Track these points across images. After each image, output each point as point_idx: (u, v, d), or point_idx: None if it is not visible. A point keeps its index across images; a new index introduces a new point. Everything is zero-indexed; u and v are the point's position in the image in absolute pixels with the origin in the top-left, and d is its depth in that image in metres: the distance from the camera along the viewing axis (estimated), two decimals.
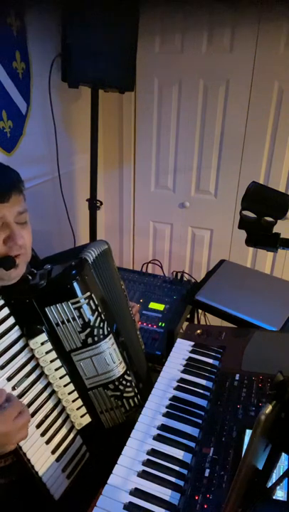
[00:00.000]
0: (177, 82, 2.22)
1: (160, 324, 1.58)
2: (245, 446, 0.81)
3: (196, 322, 1.91)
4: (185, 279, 1.88)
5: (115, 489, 0.75)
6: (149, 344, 1.48)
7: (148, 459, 0.81)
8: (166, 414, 0.92)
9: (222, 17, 2.01)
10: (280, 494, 0.71)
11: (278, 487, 0.71)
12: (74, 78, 1.75)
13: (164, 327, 1.57)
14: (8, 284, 0.85)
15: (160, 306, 1.67)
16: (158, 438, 0.86)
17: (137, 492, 0.75)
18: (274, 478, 0.71)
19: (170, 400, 0.96)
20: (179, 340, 1.19)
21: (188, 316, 1.84)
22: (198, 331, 1.23)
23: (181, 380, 1.02)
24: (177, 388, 1.00)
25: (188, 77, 2.18)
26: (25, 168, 1.81)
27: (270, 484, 0.69)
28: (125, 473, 0.78)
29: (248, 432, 0.85)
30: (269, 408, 0.63)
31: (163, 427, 0.88)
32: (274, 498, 0.70)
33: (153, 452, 0.83)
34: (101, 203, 2.05)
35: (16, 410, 0.77)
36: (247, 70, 2.07)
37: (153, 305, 1.67)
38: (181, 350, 1.14)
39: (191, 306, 1.74)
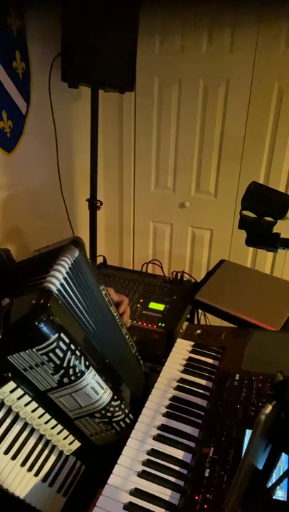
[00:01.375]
0: (177, 82, 2.22)
1: (160, 324, 1.58)
2: (245, 446, 0.81)
3: (196, 322, 1.91)
4: (185, 279, 1.88)
5: (115, 489, 0.75)
6: (149, 344, 1.48)
7: (148, 459, 0.81)
8: (166, 414, 0.91)
9: (222, 17, 2.01)
10: (280, 494, 0.71)
11: (278, 487, 0.71)
12: (74, 78, 1.75)
13: (164, 327, 1.57)
14: None
15: (160, 306, 1.67)
16: (158, 438, 0.85)
17: (137, 492, 0.75)
18: (274, 478, 0.71)
19: (170, 400, 0.96)
20: (179, 340, 1.19)
21: (188, 316, 1.84)
22: (198, 331, 1.23)
23: (181, 380, 1.02)
24: (177, 388, 0.99)
25: (188, 77, 2.18)
26: (25, 168, 1.81)
27: (270, 484, 0.69)
28: (125, 473, 0.78)
29: (248, 432, 0.85)
30: (269, 408, 0.62)
31: (163, 427, 0.88)
32: (274, 498, 0.70)
33: (153, 452, 0.82)
34: (101, 203, 2.05)
35: None
36: (247, 70, 2.07)
37: (153, 305, 1.67)
38: (181, 350, 1.14)
39: (191, 306, 1.74)
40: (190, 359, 1.10)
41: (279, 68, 2.02)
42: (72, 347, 0.78)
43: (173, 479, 0.78)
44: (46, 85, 1.79)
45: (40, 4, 1.69)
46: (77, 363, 0.78)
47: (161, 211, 2.55)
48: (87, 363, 0.81)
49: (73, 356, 0.78)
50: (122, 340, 1.08)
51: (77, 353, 0.79)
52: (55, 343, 0.74)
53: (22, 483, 0.81)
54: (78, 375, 0.79)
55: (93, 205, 2.03)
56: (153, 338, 1.52)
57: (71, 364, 0.78)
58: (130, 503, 0.73)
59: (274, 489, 0.70)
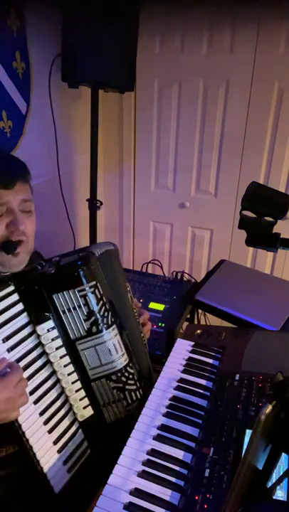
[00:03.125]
0: (177, 82, 2.22)
1: (160, 324, 1.58)
2: (245, 446, 0.81)
3: (196, 322, 1.91)
4: (185, 279, 1.88)
5: (115, 489, 0.75)
6: (149, 344, 1.48)
7: (148, 459, 0.81)
8: (166, 414, 0.91)
9: (222, 17, 2.01)
10: (280, 494, 0.71)
11: (278, 487, 0.71)
12: (74, 78, 1.75)
13: (164, 327, 1.57)
14: (8, 271, 0.90)
15: (160, 306, 1.67)
16: (158, 438, 0.86)
17: (137, 492, 0.75)
18: (274, 478, 0.71)
19: (170, 400, 0.96)
20: (179, 340, 1.19)
21: (188, 316, 1.84)
22: (198, 331, 1.23)
23: (181, 380, 1.02)
24: (177, 388, 0.99)
25: (188, 77, 2.18)
26: None
27: (270, 484, 0.69)
28: (125, 473, 0.78)
29: (248, 432, 0.85)
30: (269, 408, 0.63)
31: (163, 427, 0.88)
32: (274, 498, 0.70)
33: (153, 452, 0.82)
34: (101, 203, 2.05)
35: (17, 376, 0.80)
36: (247, 70, 2.07)
37: (153, 305, 1.68)
38: (181, 350, 1.14)
39: (191, 306, 1.74)
40: (190, 359, 1.10)
41: (279, 68, 2.02)
42: (104, 299, 0.91)
43: (173, 479, 0.78)
44: (46, 85, 1.79)
45: (40, 4, 1.69)
46: (105, 315, 0.91)
47: (161, 211, 2.55)
48: (112, 320, 0.93)
49: (103, 308, 0.91)
50: (137, 334, 1.12)
51: (107, 306, 0.92)
52: (92, 289, 0.89)
53: (37, 433, 0.85)
54: (105, 326, 0.91)
55: (93, 205, 2.03)
56: (153, 338, 1.52)
57: (101, 314, 0.90)
58: (130, 503, 0.73)
59: (274, 489, 0.70)
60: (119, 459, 0.81)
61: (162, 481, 0.77)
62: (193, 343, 1.16)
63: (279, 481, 0.70)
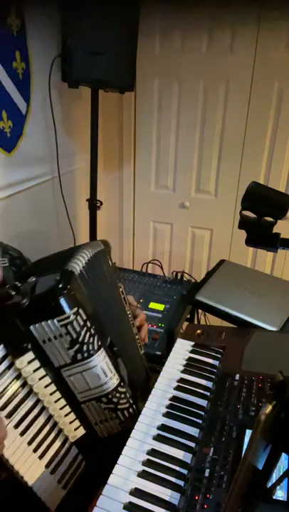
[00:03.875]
0: (177, 82, 2.22)
1: (160, 324, 1.58)
2: (245, 446, 0.81)
3: (196, 322, 1.91)
4: (185, 279, 1.88)
5: (115, 489, 0.75)
6: (149, 344, 1.48)
7: (148, 459, 0.81)
8: (166, 414, 0.91)
9: (222, 17, 2.01)
10: (280, 494, 0.71)
11: (278, 487, 0.71)
12: (74, 78, 1.75)
13: (164, 327, 1.57)
14: None
15: (160, 306, 1.67)
16: (158, 438, 0.86)
17: (137, 492, 0.75)
18: (274, 478, 0.71)
19: (170, 400, 0.96)
20: (179, 340, 1.19)
21: (188, 316, 1.84)
22: (198, 331, 1.23)
23: (181, 380, 1.02)
24: (177, 388, 0.99)
25: (188, 77, 2.18)
26: (25, 168, 1.81)
27: (270, 484, 0.69)
28: (125, 473, 0.78)
29: (248, 432, 0.85)
30: (269, 408, 0.63)
31: (163, 427, 0.88)
32: (274, 498, 0.70)
33: (153, 452, 0.82)
34: (101, 203, 2.05)
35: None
36: (247, 70, 2.07)
37: (153, 305, 1.67)
38: (181, 350, 1.14)
39: (191, 306, 1.74)
40: (190, 359, 1.10)
41: (279, 68, 2.02)
42: (88, 324, 0.84)
43: (173, 479, 0.78)
44: (46, 85, 1.79)
45: (40, 4, 1.69)
46: (91, 340, 0.84)
47: (161, 211, 2.55)
48: (99, 343, 0.86)
49: (88, 333, 0.84)
50: (131, 337, 1.10)
51: (92, 331, 0.85)
52: (73, 316, 0.80)
53: (27, 462, 0.82)
54: (91, 352, 0.84)
55: (93, 205, 2.03)
56: (153, 338, 1.52)
57: (86, 340, 0.83)
58: (130, 502, 0.73)
59: (274, 489, 0.70)
60: (119, 459, 0.81)
61: (162, 481, 0.77)
62: (193, 343, 1.16)
63: (279, 481, 0.70)
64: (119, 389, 0.90)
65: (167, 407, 0.93)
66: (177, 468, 0.80)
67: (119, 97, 2.22)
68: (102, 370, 0.86)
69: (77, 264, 0.88)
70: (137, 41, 1.80)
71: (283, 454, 0.73)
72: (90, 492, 0.82)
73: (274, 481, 0.69)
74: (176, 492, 0.75)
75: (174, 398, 0.96)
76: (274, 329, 1.38)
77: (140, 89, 2.25)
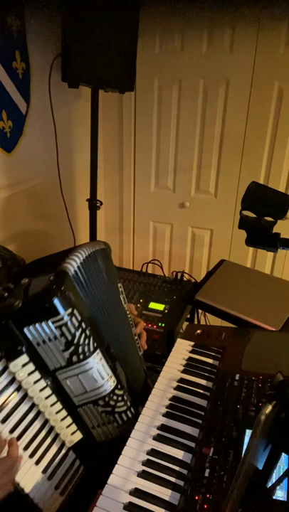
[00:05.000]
0: (177, 82, 2.22)
1: (160, 324, 1.58)
2: (245, 446, 0.81)
3: (196, 322, 1.91)
4: (185, 279, 1.88)
5: (115, 489, 0.75)
6: (149, 344, 1.48)
7: (148, 459, 0.81)
8: (166, 414, 0.91)
9: (222, 17, 2.01)
10: (280, 494, 0.71)
11: (278, 487, 0.71)
12: (74, 78, 1.75)
13: (164, 327, 1.57)
14: None
15: (160, 306, 1.67)
16: (158, 438, 0.86)
17: (137, 492, 0.75)
18: (274, 478, 0.71)
19: (170, 400, 0.96)
20: (179, 341, 1.19)
21: (188, 316, 1.84)
22: (198, 331, 1.23)
23: (181, 380, 1.02)
24: (177, 388, 0.99)
25: (188, 77, 2.18)
26: (25, 168, 1.81)
27: (270, 484, 0.69)
28: (125, 473, 0.78)
29: (248, 432, 0.85)
30: (269, 408, 0.62)
31: (163, 427, 0.88)
32: (274, 498, 0.70)
33: (153, 452, 0.82)
34: (101, 203, 2.05)
35: (11, 461, 0.76)
36: (247, 70, 2.07)
37: (153, 305, 1.67)
38: (181, 350, 1.14)
39: (191, 306, 1.74)
40: (190, 359, 1.10)
41: (279, 68, 2.02)
42: (83, 325, 0.82)
43: (173, 479, 0.78)
44: (46, 85, 1.79)
45: (40, 4, 1.69)
46: (86, 342, 0.83)
47: (161, 211, 2.55)
48: (95, 345, 0.85)
49: (83, 335, 0.82)
50: (129, 338, 1.09)
51: (87, 332, 0.83)
52: (68, 317, 0.79)
53: (23, 468, 0.81)
54: (86, 354, 0.83)
55: (93, 205, 2.03)
56: (153, 338, 1.52)
57: (81, 342, 0.82)
58: (130, 503, 0.73)
59: (274, 489, 0.70)
60: (119, 459, 0.81)
61: (162, 481, 0.77)
62: (193, 343, 1.16)
63: (279, 481, 0.70)
64: (116, 391, 0.89)
65: (167, 407, 0.93)
66: (177, 468, 0.80)
67: (119, 97, 2.22)
68: (99, 372, 0.85)
69: (71, 265, 0.86)
70: (137, 41, 1.80)
71: (283, 454, 0.72)
72: (89, 498, 0.81)
73: (274, 481, 0.69)
74: (176, 492, 0.75)
75: (174, 398, 0.96)
76: (274, 329, 1.38)
77: (140, 89, 2.25)
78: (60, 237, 2.13)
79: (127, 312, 1.09)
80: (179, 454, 0.83)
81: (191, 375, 1.04)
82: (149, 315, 1.62)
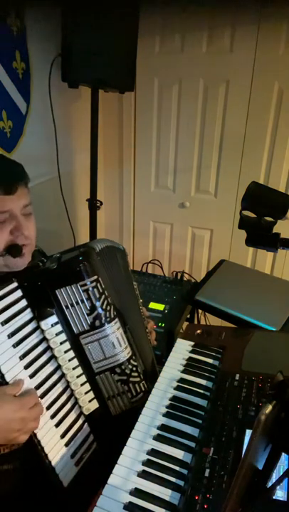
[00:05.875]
0: (177, 82, 2.22)
1: (160, 324, 1.58)
2: (245, 446, 0.81)
3: (196, 322, 1.91)
4: (185, 279, 1.88)
5: (115, 489, 0.75)
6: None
7: (148, 459, 0.81)
8: (166, 414, 0.91)
9: (222, 17, 2.01)
10: (280, 494, 0.71)
11: (278, 487, 0.71)
12: (74, 78, 1.75)
13: (164, 327, 1.57)
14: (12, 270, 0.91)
15: (160, 306, 1.67)
16: (158, 438, 0.86)
17: (137, 492, 0.75)
18: (274, 478, 0.71)
19: (170, 400, 0.96)
20: (179, 341, 1.19)
21: (188, 316, 1.84)
22: (198, 331, 1.23)
23: (181, 380, 1.02)
24: (177, 388, 0.99)
25: (188, 77, 2.18)
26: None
27: (270, 484, 0.69)
28: (125, 473, 0.78)
29: (248, 432, 0.85)
30: (269, 408, 0.62)
31: (163, 427, 0.88)
32: (274, 498, 0.70)
33: (153, 452, 0.82)
34: (101, 203, 2.05)
35: (33, 400, 0.82)
36: (247, 70, 2.07)
37: (153, 305, 1.67)
38: (181, 350, 1.14)
39: (191, 306, 1.74)
40: (190, 359, 1.10)
41: (279, 68, 2.02)
42: (106, 293, 0.92)
43: (173, 479, 0.78)
44: (46, 85, 1.79)
45: (40, 4, 1.69)
46: (108, 308, 0.92)
47: (161, 211, 2.55)
48: (115, 313, 0.94)
49: (106, 302, 0.92)
50: (142, 326, 1.13)
51: (109, 300, 0.93)
52: (94, 283, 0.90)
53: (44, 427, 0.86)
54: (108, 319, 0.92)
55: (93, 205, 2.03)
56: None
57: (103, 307, 0.91)
58: (130, 503, 0.73)
59: (274, 489, 0.70)
60: (119, 459, 0.81)
61: (162, 481, 0.77)
62: (193, 343, 1.16)
63: (279, 481, 0.70)
64: (132, 361, 0.96)
65: (167, 407, 0.93)
66: (177, 468, 0.80)
67: (119, 97, 2.22)
68: (117, 339, 0.93)
69: (97, 246, 0.97)
70: (137, 41, 1.80)
71: (283, 454, 0.73)
72: (98, 479, 0.82)
73: (274, 481, 0.69)
74: (176, 492, 0.75)
75: (174, 398, 0.96)
76: (274, 329, 1.38)
77: (140, 89, 2.25)
78: (60, 237, 2.13)
79: (140, 307, 1.15)
80: (179, 454, 0.83)
81: (191, 375, 1.04)
82: (149, 315, 1.62)
